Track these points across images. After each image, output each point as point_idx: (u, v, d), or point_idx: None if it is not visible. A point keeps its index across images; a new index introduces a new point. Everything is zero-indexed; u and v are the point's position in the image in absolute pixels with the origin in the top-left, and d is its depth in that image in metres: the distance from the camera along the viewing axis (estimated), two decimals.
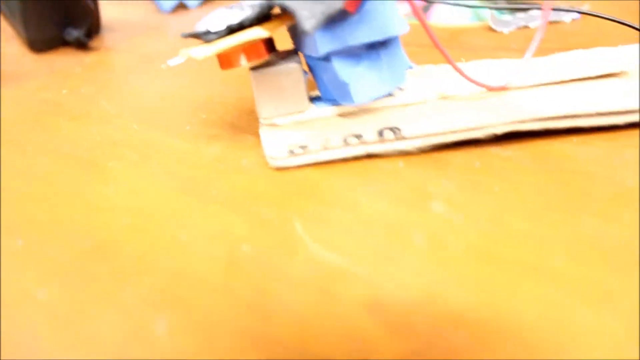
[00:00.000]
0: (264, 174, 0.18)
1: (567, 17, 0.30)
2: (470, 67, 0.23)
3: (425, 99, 0.20)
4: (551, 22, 0.30)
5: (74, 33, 0.31)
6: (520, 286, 0.13)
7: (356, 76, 0.19)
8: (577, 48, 0.24)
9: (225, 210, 0.16)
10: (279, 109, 0.19)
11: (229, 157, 0.19)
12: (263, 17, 0.18)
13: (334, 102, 0.20)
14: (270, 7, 0.17)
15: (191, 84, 0.26)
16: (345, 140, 0.18)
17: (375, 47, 0.19)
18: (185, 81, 0.26)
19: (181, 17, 0.37)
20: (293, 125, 0.20)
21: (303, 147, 0.18)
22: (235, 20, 0.17)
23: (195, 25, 0.18)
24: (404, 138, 0.18)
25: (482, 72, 0.22)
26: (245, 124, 0.21)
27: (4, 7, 0.31)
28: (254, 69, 0.19)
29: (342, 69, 0.19)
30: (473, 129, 0.18)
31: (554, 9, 0.27)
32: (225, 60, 0.18)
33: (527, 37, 0.29)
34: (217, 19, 0.18)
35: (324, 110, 0.20)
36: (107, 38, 0.34)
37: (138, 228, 0.16)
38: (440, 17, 0.31)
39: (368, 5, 0.18)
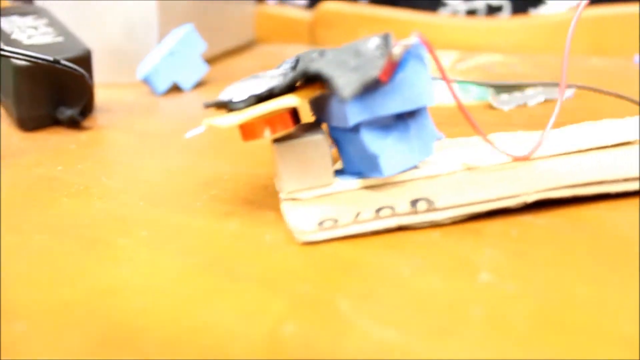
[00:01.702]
0: (292, 250, 0.17)
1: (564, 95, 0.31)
2: (494, 138, 0.23)
3: (451, 170, 0.20)
4: (549, 100, 0.31)
5: (67, 111, 0.30)
6: (592, 353, 0.12)
7: (386, 148, 0.18)
8: (583, 121, 0.24)
9: (258, 288, 0.15)
10: (303, 183, 0.19)
11: (249, 234, 0.18)
12: (289, 88, 0.18)
13: (359, 174, 0.19)
14: (305, 75, 0.17)
15: (196, 160, 0.25)
16: (377, 213, 0.17)
17: (404, 118, 0.18)
18: (189, 158, 0.25)
19: (175, 98, 0.36)
20: (317, 199, 0.19)
21: (333, 221, 0.17)
22: (263, 88, 0.17)
23: (220, 95, 0.18)
24: (436, 209, 0.18)
25: (504, 143, 0.22)
26: (261, 199, 0.20)
27: None
28: (277, 141, 0.18)
29: (372, 140, 0.18)
30: (505, 198, 0.18)
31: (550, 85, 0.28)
32: (249, 130, 0.17)
33: (525, 114, 0.29)
34: (243, 88, 0.17)
35: (349, 183, 0.19)
36: (100, 117, 0.33)
37: (159, 310, 0.14)
38: (443, 96, 0.32)
39: (400, 75, 0.17)
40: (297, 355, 0.12)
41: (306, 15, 0.54)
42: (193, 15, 0.44)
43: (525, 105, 0.31)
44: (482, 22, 0.52)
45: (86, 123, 0.32)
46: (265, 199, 0.20)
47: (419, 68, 0.18)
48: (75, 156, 0.26)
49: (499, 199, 0.18)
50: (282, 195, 0.19)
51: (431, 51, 0.17)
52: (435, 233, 0.17)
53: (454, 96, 0.17)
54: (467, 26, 0.52)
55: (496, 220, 0.18)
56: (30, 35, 0.30)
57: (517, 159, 0.20)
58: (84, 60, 0.31)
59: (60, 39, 0.31)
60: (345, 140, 0.19)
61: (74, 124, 0.31)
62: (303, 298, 0.14)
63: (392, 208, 0.18)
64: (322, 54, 0.16)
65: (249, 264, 0.16)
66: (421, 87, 0.18)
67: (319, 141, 0.18)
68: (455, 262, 0.16)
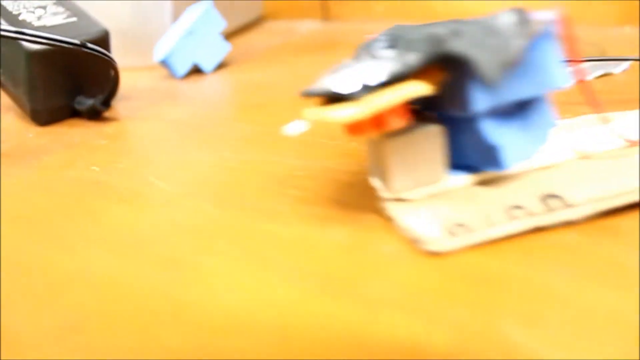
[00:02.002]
0: (421, 263, 0.14)
1: (617, 69, 0.29)
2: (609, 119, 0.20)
3: (565, 159, 0.17)
4: (601, 76, 0.28)
5: (88, 101, 0.27)
6: None
7: (506, 138, 0.16)
8: None
9: (402, 315, 0.12)
10: (414, 180, 0.16)
11: (360, 244, 0.15)
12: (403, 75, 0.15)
13: (470, 168, 0.17)
14: (441, 57, 0.14)
15: (251, 153, 0.22)
16: (508, 213, 0.15)
17: (526, 103, 0.16)
18: (241, 150, 0.22)
19: (197, 82, 0.33)
20: (430, 199, 0.16)
21: (462, 225, 0.15)
22: (379, 76, 0.14)
23: (320, 83, 0.15)
24: (571, 205, 0.15)
25: (620, 125, 0.20)
26: (353, 200, 0.17)
27: (4, 74, 0.27)
28: (388, 135, 0.15)
29: (491, 130, 0.15)
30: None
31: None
32: (365, 123, 0.14)
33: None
34: (349, 76, 0.14)
35: (461, 179, 0.16)
36: (121, 107, 0.29)
37: (284, 347, 0.12)
38: None
39: (531, 55, 0.15)
40: None
41: None
42: None
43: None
44: None
45: (107, 114, 0.28)
46: (358, 199, 0.17)
47: (549, 47, 0.15)
48: (109, 153, 0.23)
49: (633, 192, 0.15)
50: (385, 195, 0.16)
51: (569, 29, 0.14)
52: (572, 234, 0.15)
53: (582, 77, 0.15)
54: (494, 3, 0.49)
55: (627, 216, 0.15)
56: (39, 15, 0.27)
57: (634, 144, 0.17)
58: (102, 42, 0.27)
59: (73, 19, 0.27)
60: (457, 130, 0.16)
61: (95, 115, 0.27)
62: (458, 323, 0.12)
63: (523, 207, 0.15)
64: (455, 32, 0.14)
65: (377, 283, 0.13)
66: (553, 69, 0.15)
67: (434, 132, 0.15)
68: (608, 268, 0.13)
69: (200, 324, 0.13)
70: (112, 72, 0.26)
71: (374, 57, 0.15)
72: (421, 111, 0.17)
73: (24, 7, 0.27)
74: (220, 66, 0.36)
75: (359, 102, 0.14)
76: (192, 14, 0.34)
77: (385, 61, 0.14)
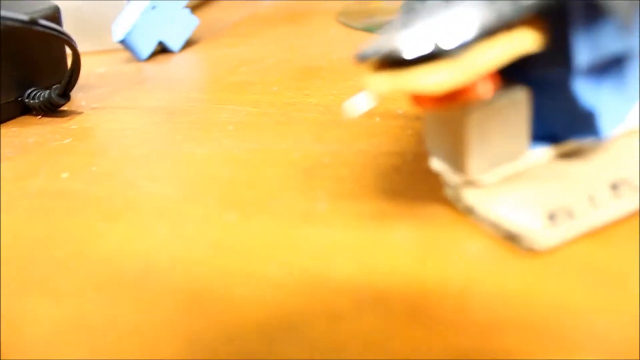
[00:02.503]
0: (526, 264, 0.11)
1: None
2: None
3: None
4: None
5: (42, 93, 0.22)
6: None
7: (602, 100, 0.12)
8: None
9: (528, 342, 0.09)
10: (493, 159, 0.13)
11: (437, 246, 0.12)
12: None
13: (551, 138, 0.13)
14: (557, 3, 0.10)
15: (260, 140, 0.18)
16: (614, 191, 0.12)
17: (619, 59, 0.13)
18: (247, 138, 0.18)
19: (164, 63, 0.29)
20: (511, 180, 0.13)
21: (562, 211, 0.11)
22: (471, 29, 0.10)
23: (381, 42, 0.11)
24: None
25: None
26: (407, 189, 0.14)
27: None
28: (467, 108, 0.12)
29: (588, 91, 0.12)
30: None
31: None
32: (454, 92, 0.11)
33: None
34: (423, 29, 0.11)
35: (541, 152, 0.13)
36: (80, 98, 0.25)
37: None
38: None
39: None
40: None
41: None
42: None
43: None
44: None
45: (65, 107, 0.24)
46: (412, 188, 0.14)
47: None
48: (79, 154, 0.19)
49: None
50: (454, 181, 0.13)
51: None
52: None
53: None
54: None
55: None
56: None
57: None
58: (53, 20, 0.23)
59: None
60: (538, 95, 0.13)
61: (51, 110, 0.23)
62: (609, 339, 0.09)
63: (628, 182, 0.12)
64: None
65: (477, 298, 0.10)
66: None
67: (522, 99, 0.12)
68: None
69: None
70: (72, 55, 0.21)
71: (445, 3, 0.11)
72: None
73: None
74: (188, 44, 0.31)
75: (455, 63, 0.10)
76: None
77: (467, 7, 0.11)
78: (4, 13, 0.17)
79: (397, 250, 0.12)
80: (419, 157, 0.16)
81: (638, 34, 0.12)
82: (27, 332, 0.11)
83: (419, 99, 0.11)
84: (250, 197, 0.15)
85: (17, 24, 0.18)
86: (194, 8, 0.41)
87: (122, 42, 0.29)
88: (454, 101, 0.11)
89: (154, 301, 0.11)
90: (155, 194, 0.15)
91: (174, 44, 0.30)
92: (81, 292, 0.12)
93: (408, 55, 0.11)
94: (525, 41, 0.11)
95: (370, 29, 0.30)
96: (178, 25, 0.30)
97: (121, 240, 0.14)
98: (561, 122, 0.13)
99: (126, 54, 0.30)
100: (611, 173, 0.13)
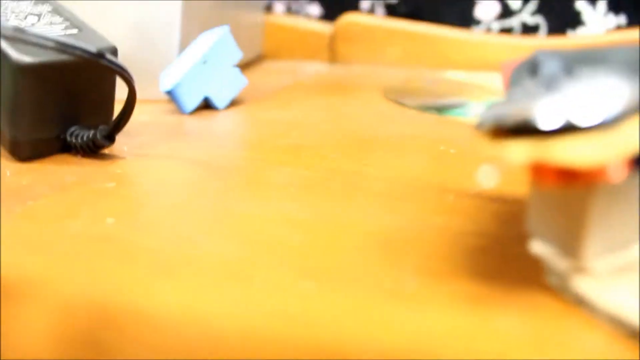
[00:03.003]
0: None
1: None
2: None
3: None
4: None
5: (85, 133, 0.21)
6: None
7: None
8: None
9: None
10: (608, 246, 0.11)
11: (552, 338, 0.10)
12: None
13: None
14: None
15: (323, 207, 0.17)
16: None
17: None
18: (307, 202, 0.17)
19: (209, 119, 0.28)
20: (624, 270, 0.11)
21: None
22: (614, 103, 0.09)
23: (502, 110, 0.10)
24: None
25: None
26: (497, 272, 0.12)
27: None
28: (592, 188, 0.11)
29: None
30: None
31: None
32: (592, 171, 0.09)
33: None
34: (556, 100, 0.10)
35: None
36: (121, 142, 0.24)
37: None
38: None
39: None
40: None
41: (322, 27, 0.47)
42: (212, 21, 0.36)
43: None
44: (518, 41, 0.47)
45: (105, 151, 0.22)
46: (503, 270, 0.12)
47: None
48: (123, 199, 0.17)
49: None
50: (561, 266, 0.11)
51: None
52: None
53: None
54: (501, 44, 0.47)
55: None
56: (32, 23, 0.21)
57: None
58: None
59: (73, 30, 0.22)
60: None
61: (91, 151, 0.22)
62: None
63: None
64: None
65: None
66: None
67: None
68: None
69: None
70: (128, 97, 0.20)
71: (570, 77, 0.10)
72: None
73: (13, 12, 0.21)
74: (233, 103, 0.30)
75: (606, 138, 0.09)
76: (205, 40, 0.29)
77: (605, 78, 0.10)
78: (74, 42, 0.16)
79: (507, 340, 0.10)
80: (506, 240, 0.14)
81: None
82: None
83: (542, 173, 0.10)
84: (327, 266, 0.13)
85: (85, 55, 0.17)
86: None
87: (169, 92, 0.28)
88: (582, 179, 0.09)
89: None
90: (217, 253, 0.14)
91: (220, 101, 0.29)
92: None
93: (548, 125, 0.09)
94: None
95: (423, 109, 0.29)
96: (226, 82, 0.29)
97: (180, 300, 0.12)
98: None
99: (170, 106, 0.29)
100: None
